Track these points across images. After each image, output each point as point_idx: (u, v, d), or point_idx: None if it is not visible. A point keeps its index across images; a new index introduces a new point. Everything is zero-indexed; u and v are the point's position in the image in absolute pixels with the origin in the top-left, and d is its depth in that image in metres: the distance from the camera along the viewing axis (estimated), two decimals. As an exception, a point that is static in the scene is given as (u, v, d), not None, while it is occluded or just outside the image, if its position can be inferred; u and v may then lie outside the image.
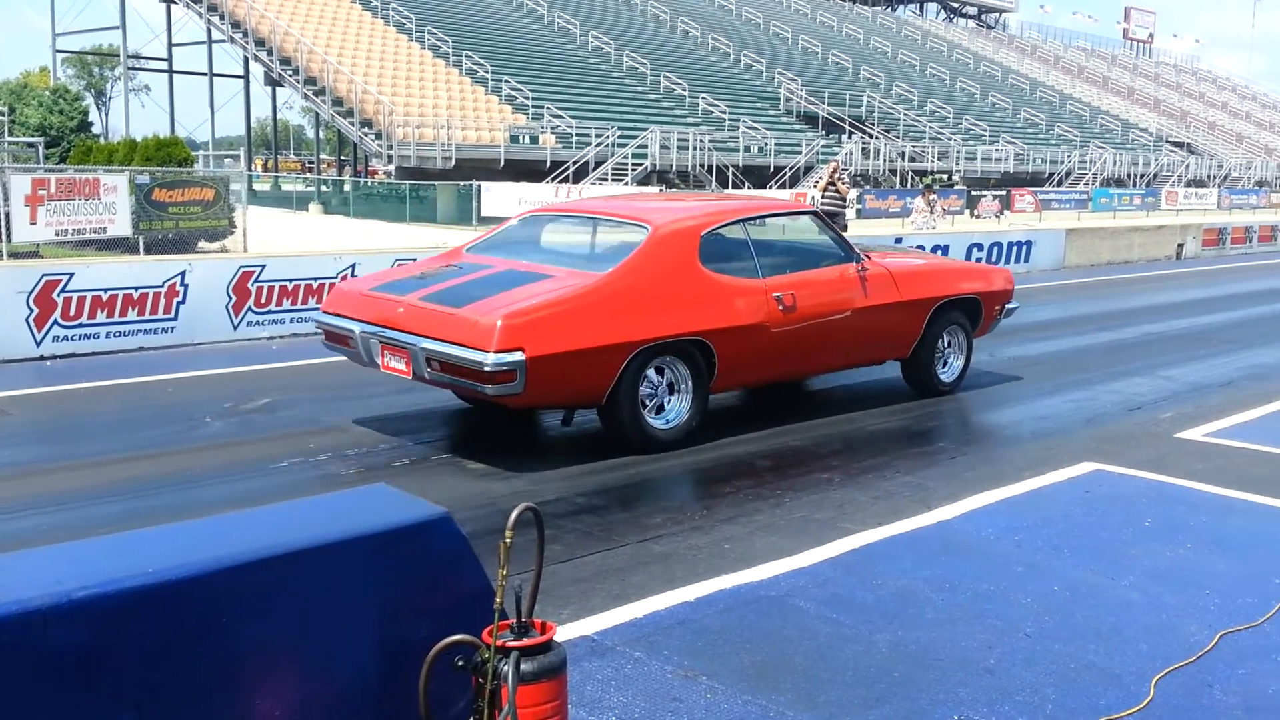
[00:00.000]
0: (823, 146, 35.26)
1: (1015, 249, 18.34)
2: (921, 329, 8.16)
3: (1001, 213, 32.88)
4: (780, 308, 7.04)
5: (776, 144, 33.78)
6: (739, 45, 44.84)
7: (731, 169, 30.31)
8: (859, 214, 29.23)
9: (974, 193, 34.68)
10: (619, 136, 28.92)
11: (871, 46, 55.29)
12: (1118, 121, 57.06)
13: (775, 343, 7.07)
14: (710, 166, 29.97)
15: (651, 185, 25.12)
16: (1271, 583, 4.77)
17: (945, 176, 38.15)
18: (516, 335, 5.86)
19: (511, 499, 5.28)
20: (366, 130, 28.68)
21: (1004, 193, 35.01)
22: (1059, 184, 42.12)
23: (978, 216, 32.65)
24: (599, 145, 28.48)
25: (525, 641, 2.64)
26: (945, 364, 8.56)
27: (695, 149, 30.29)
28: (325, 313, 7.14)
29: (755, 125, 34.72)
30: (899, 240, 16.82)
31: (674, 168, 29.69)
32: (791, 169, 32.15)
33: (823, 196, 17.97)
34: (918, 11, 77.74)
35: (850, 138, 37.12)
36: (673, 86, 36.69)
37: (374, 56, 32.01)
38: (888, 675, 3.80)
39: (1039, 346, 11.24)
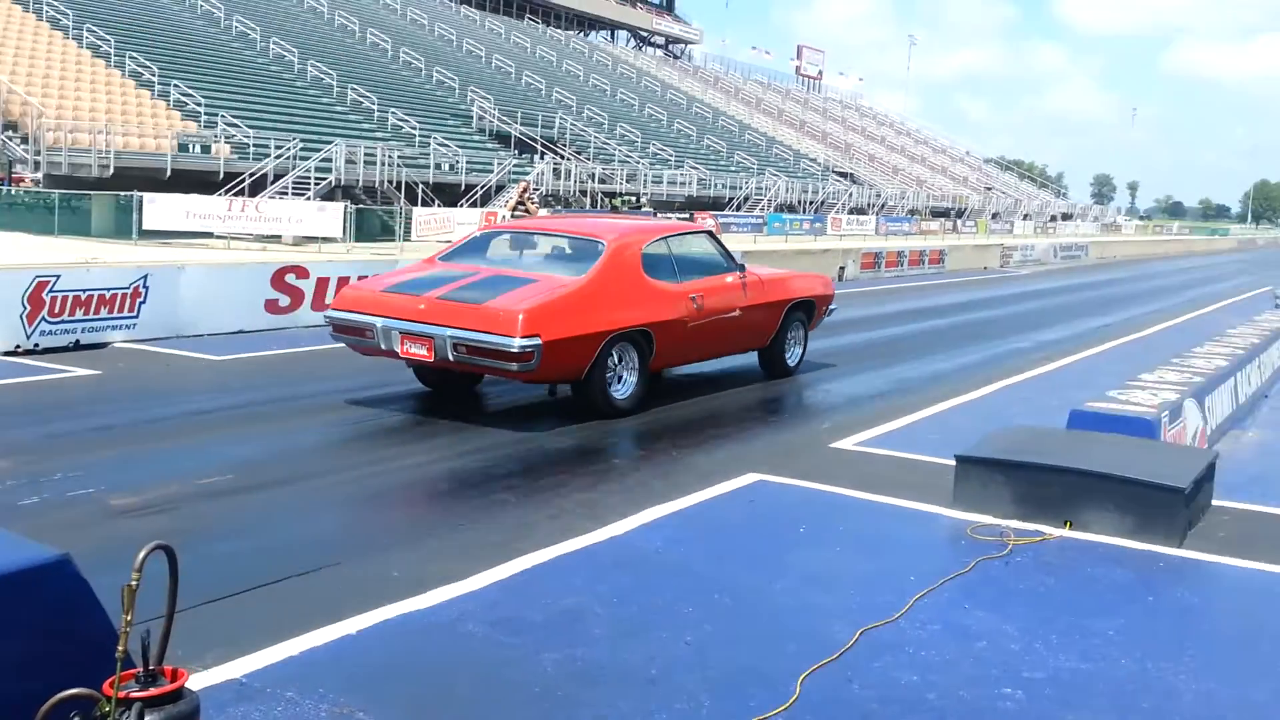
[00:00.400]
0: (515, 166, 35.47)
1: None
2: (779, 324, 10.34)
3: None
4: (695, 306, 8.96)
5: (468, 162, 33.63)
6: (431, 61, 44.35)
7: (422, 186, 29.81)
8: (550, 233, 29.55)
9: (660, 215, 36.03)
10: (301, 149, 27.75)
11: (564, 69, 56.34)
12: (790, 151, 61.12)
13: (690, 334, 9.01)
14: (399, 183, 29.34)
15: (337, 200, 24.21)
16: (907, 579, 5.17)
17: (634, 199, 39.40)
18: (534, 324, 7.46)
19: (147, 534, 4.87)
20: (11, 134, 26.02)
21: (688, 215, 36.60)
22: (738, 208, 44.52)
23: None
24: (279, 157, 27.18)
25: (151, 691, 2.45)
26: (791, 352, 10.77)
27: (383, 164, 29.53)
28: (338, 309, 8.51)
29: (446, 142, 34.39)
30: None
31: (360, 183, 28.84)
32: (483, 187, 32.09)
33: (512, 216, 18.06)
34: (609, 38, 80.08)
35: (542, 158, 37.54)
36: (360, 99, 35.73)
37: (22, 53, 29.08)
38: (551, 695, 3.80)
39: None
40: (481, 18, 60.79)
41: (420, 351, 7.85)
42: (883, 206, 56.89)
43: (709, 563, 5.36)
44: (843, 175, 61.63)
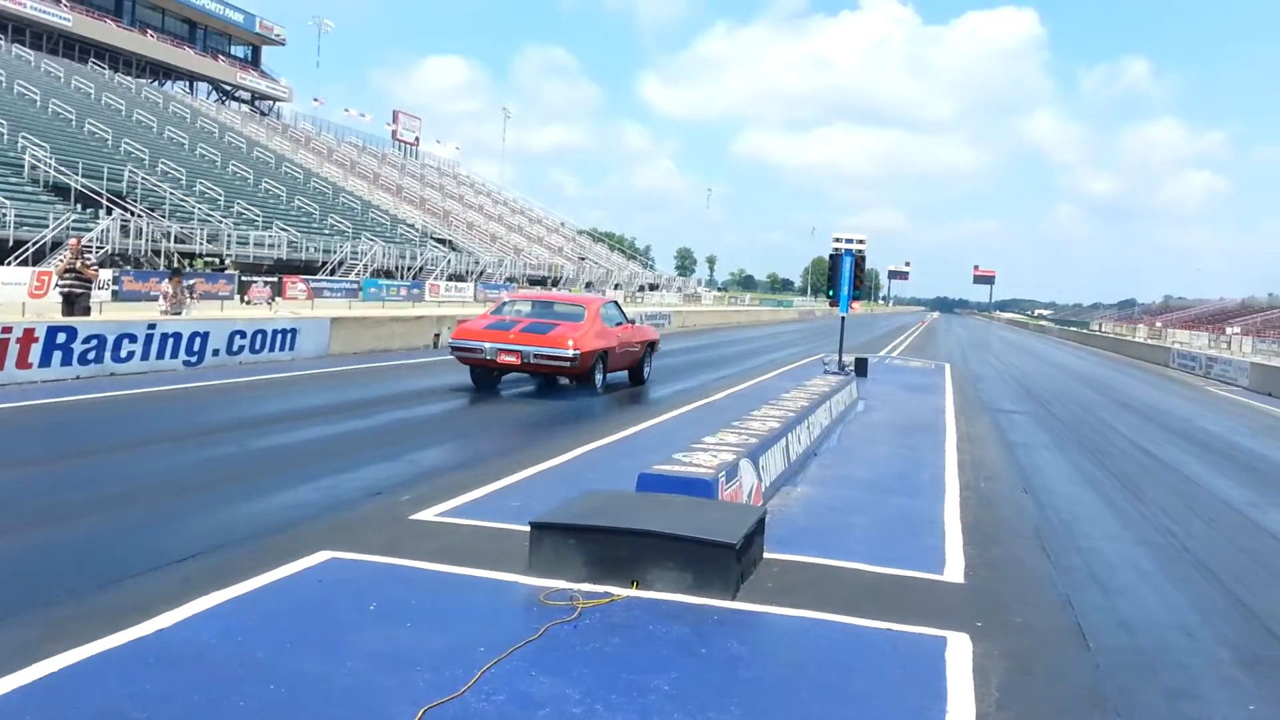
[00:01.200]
0: (75, 221, 32.38)
1: (280, 336, 18.33)
2: (643, 353, 17.64)
3: (273, 299, 32.88)
4: (619, 340, 16.10)
5: (18, 215, 30.28)
6: (-25, 102, 39.71)
7: (-36, 239, 26.44)
8: (116, 296, 27.21)
9: (245, 278, 34.26)
10: None
11: (135, 119, 52.48)
12: (387, 216, 60.63)
13: (617, 355, 16.09)
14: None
15: None
16: (477, 651, 5.11)
17: (217, 260, 37.23)
18: (576, 345, 14.50)
19: None
20: None
21: (276, 279, 35.10)
22: (332, 273, 43.38)
23: (248, 303, 32.28)
24: None
25: None
26: (646, 369, 18.07)
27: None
28: (458, 339, 15.25)
29: (-7, 193, 30.81)
30: (152, 326, 15.87)
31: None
32: (37, 243, 28.98)
33: (60, 280, 16.38)
34: (188, 89, 75.73)
35: (109, 214, 34.56)
36: (-115, 140, 31.22)
37: None
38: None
39: (296, 435, 11.24)
40: (37, 58, 55.43)
41: (512, 359, 14.82)
42: (481, 274, 57.80)
43: (268, 651, 5.00)
44: (441, 242, 62.01)
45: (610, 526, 6.62)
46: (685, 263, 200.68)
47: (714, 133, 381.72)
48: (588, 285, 68.16)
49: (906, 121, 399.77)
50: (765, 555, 7.47)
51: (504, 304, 16.90)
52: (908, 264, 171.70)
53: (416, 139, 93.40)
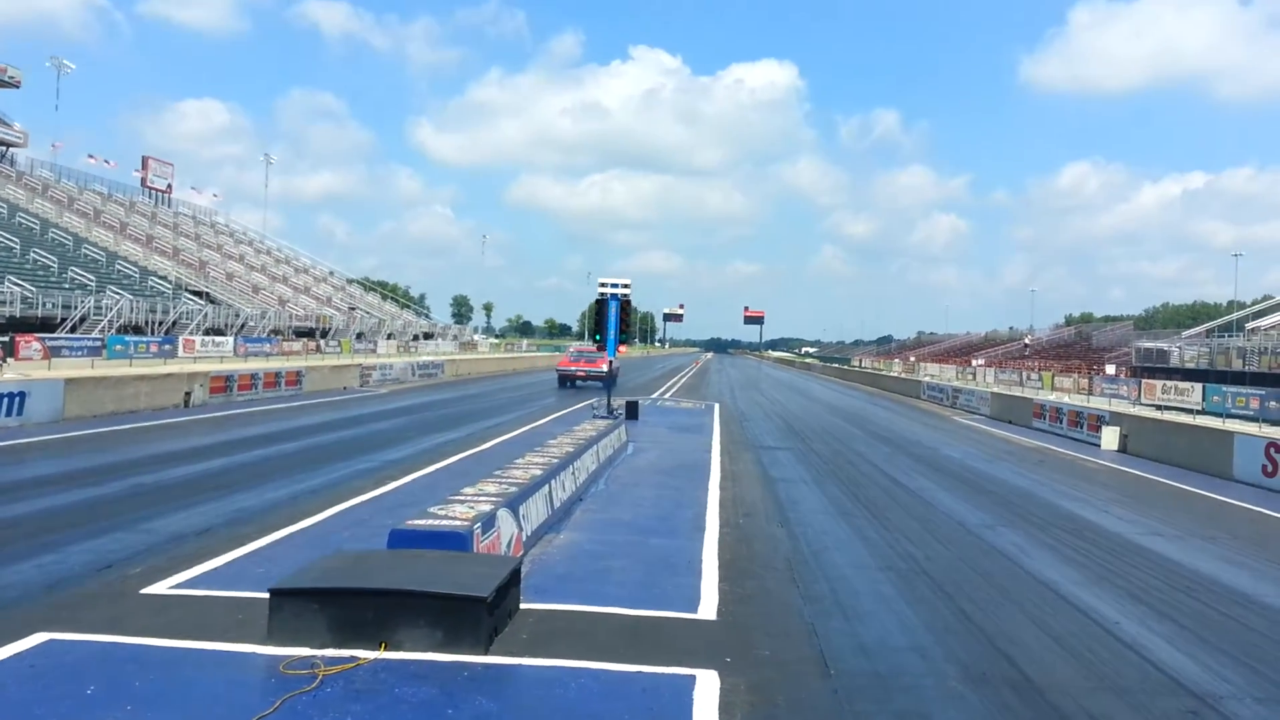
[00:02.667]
0: None
1: (6, 401, 16.87)
2: (617, 370, 37.95)
3: (5, 360, 30.32)
4: (610, 363, 33.50)
5: None
6: None
7: None
8: None
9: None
10: None
11: None
12: (136, 268, 57.17)
13: (611, 371, 33.93)
14: None
15: None
16: (203, 734, 4.79)
17: (-60, 318, 34.05)
18: (608, 365, 33.92)
19: None
20: None
21: (8, 339, 32.45)
22: (73, 330, 40.50)
23: (-23, 364, 29.63)
24: None
25: None
26: (616, 379, 36.33)
27: None
28: (561, 366, 40.32)
29: None
30: None
31: None
32: None
33: None
34: (-93, 135, 69.44)
35: None
36: None
37: None
38: None
39: (13, 509, 10.34)
40: None
41: (581, 374, 38.49)
42: (242, 326, 55.37)
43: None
44: (198, 294, 59.01)
45: (355, 587, 6.39)
46: (462, 310, 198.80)
47: (490, 179, 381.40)
48: (359, 336, 66.44)
49: (678, 167, 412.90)
50: (522, 605, 7.39)
51: (570, 353, 40.12)
52: (681, 306, 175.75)
53: (169, 186, 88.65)
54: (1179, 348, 41.58)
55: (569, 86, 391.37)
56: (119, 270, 55.46)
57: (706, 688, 5.96)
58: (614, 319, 19.56)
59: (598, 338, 19.90)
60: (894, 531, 11.49)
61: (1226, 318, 47.05)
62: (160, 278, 58.67)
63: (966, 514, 13.04)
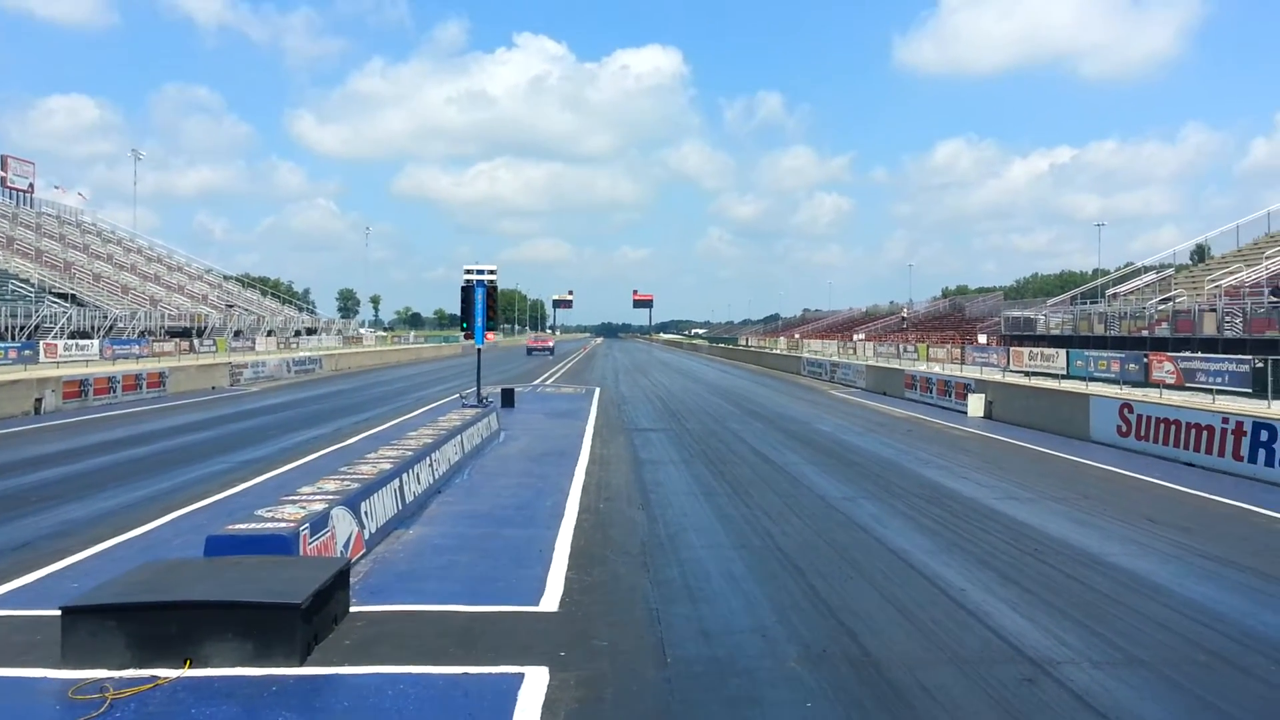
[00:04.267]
0: None
1: None
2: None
3: None
4: (552, 341, 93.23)
5: None
6: None
7: None
8: None
9: None
10: None
11: None
12: (-5, 272, 54.47)
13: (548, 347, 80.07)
14: None
15: None
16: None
17: None
18: (550, 343, 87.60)
19: None
20: None
21: None
22: (-79, 338, 38.29)
23: None
24: None
25: None
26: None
27: None
28: (529, 344, 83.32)
29: None
30: None
31: None
32: None
33: None
34: None
35: None
36: None
37: None
38: None
39: None
40: None
41: (539, 347, 78.13)
42: (110, 328, 53.20)
43: None
44: (62, 297, 56.47)
45: (156, 601, 5.98)
46: (348, 304, 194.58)
47: (375, 171, 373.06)
48: (236, 334, 64.42)
49: (566, 154, 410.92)
50: (353, 609, 7.06)
51: (533, 337, 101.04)
52: (570, 293, 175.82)
53: (31, 186, 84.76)
54: (1044, 315, 42.81)
55: (454, 75, 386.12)
56: (-28, 274, 52.79)
57: (533, 686, 5.72)
58: (480, 305, 19.14)
59: (464, 325, 19.47)
60: (755, 509, 11.42)
61: (1088, 285, 48.62)
62: (21, 281, 56.10)
63: (829, 487, 13.06)
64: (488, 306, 19.21)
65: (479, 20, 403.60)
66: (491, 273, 19.67)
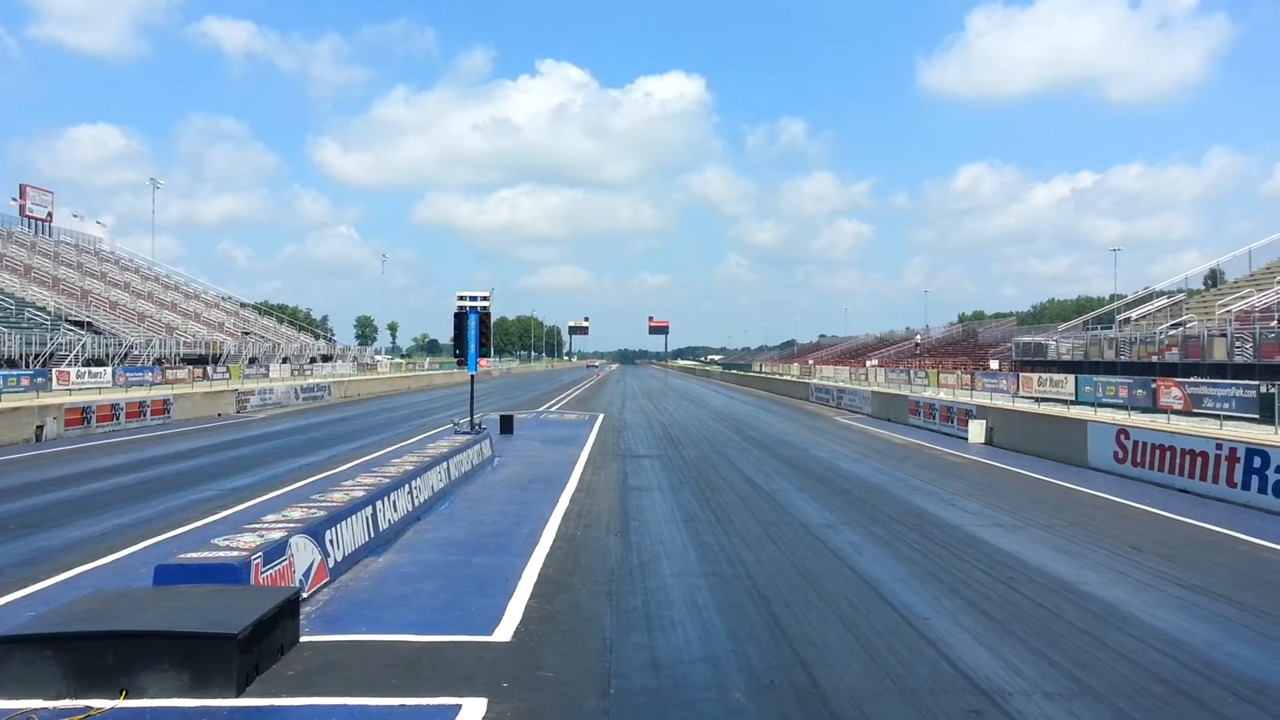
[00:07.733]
0: None
1: None
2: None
3: None
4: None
5: None
6: None
7: None
8: None
9: None
10: None
11: None
12: (12, 299, 54.99)
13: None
14: None
15: None
16: None
17: None
18: (599, 365, 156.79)
19: None
20: None
21: None
22: (-66, 366, 38.63)
23: None
24: None
25: None
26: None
27: None
28: (585, 365, 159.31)
29: None
30: None
31: None
32: None
33: None
34: None
35: None
36: None
37: None
38: None
39: None
40: None
41: (589, 366, 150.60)
42: (125, 356, 53.59)
43: None
44: (79, 324, 56.94)
45: (93, 631, 5.95)
46: (366, 331, 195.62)
47: (396, 198, 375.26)
48: (251, 361, 64.74)
49: (588, 181, 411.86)
50: (304, 638, 7.02)
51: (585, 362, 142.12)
52: (587, 319, 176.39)
53: (49, 215, 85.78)
54: (1055, 341, 42.52)
55: (478, 102, 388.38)
56: (-11, 302, 53.38)
57: (469, 718, 5.66)
58: (474, 332, 19.14)
59: (457, 352, 19.46)
60: (733, 536, 11.33)
61: (1100, 310, 48.37)
62: (38, 309, 56.69)
63: (813, 514, 12.95)
64: (480, 333, 19.20)
65: (504, 48, 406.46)
66: (485, 299, 19.68)
